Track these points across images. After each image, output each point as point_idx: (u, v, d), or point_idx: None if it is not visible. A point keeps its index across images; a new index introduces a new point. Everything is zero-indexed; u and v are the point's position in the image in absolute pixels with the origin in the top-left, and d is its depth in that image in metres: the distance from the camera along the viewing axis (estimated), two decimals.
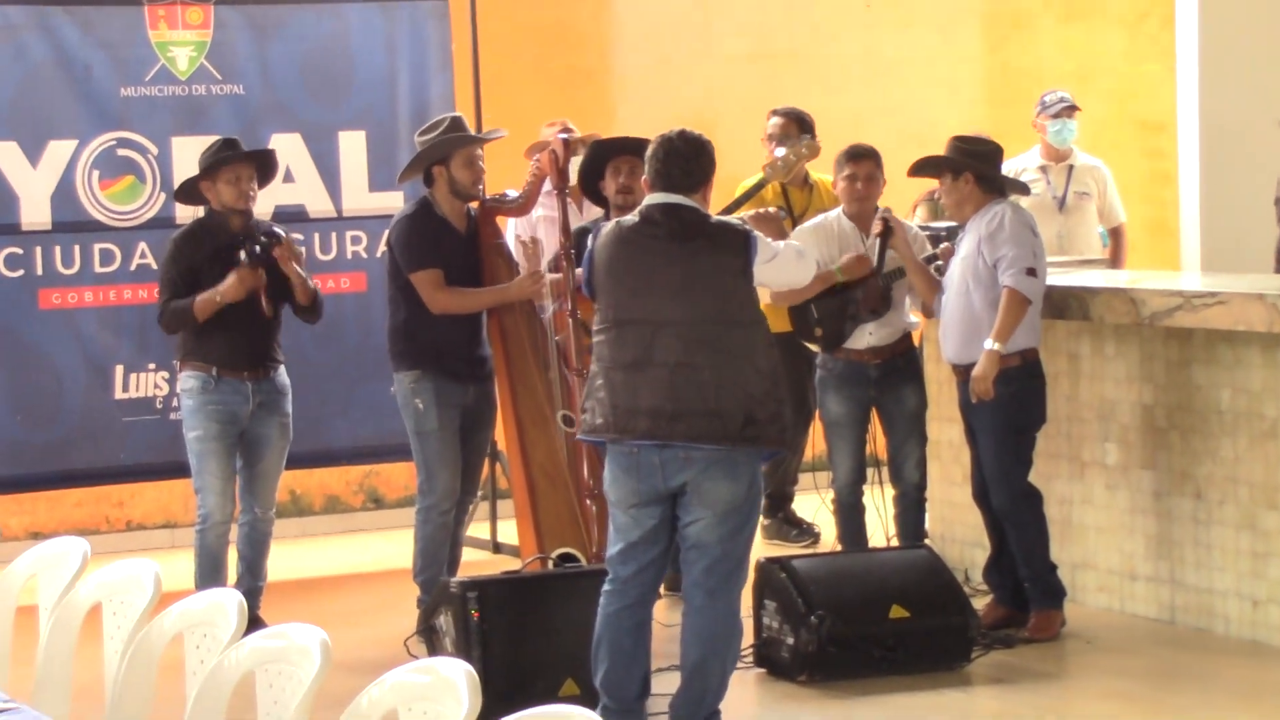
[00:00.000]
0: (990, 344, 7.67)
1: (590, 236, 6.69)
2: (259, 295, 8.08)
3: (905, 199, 9.31)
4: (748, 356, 6.34)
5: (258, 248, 8.05)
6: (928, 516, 9.07)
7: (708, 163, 6.53)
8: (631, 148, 8.36)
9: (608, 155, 8.56)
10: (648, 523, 6.41)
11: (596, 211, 9.68)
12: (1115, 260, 10.35)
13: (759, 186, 9.21)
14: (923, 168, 8.07)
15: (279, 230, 8.26)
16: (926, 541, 8.67)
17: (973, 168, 7.87)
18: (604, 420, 6.40)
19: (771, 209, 7.50)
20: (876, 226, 8.27)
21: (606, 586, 6.54)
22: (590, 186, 8.67)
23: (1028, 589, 7.96)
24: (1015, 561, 7.98)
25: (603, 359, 6.45)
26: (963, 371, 7.87)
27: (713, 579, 6.37)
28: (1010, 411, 7.78)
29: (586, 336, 8.52)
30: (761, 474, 6.46)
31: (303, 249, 8.59)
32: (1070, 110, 10.29)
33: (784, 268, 6.56)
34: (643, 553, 6.46)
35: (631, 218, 6.54)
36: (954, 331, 7.91)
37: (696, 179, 6.49)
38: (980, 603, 8.06)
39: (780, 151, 9.14)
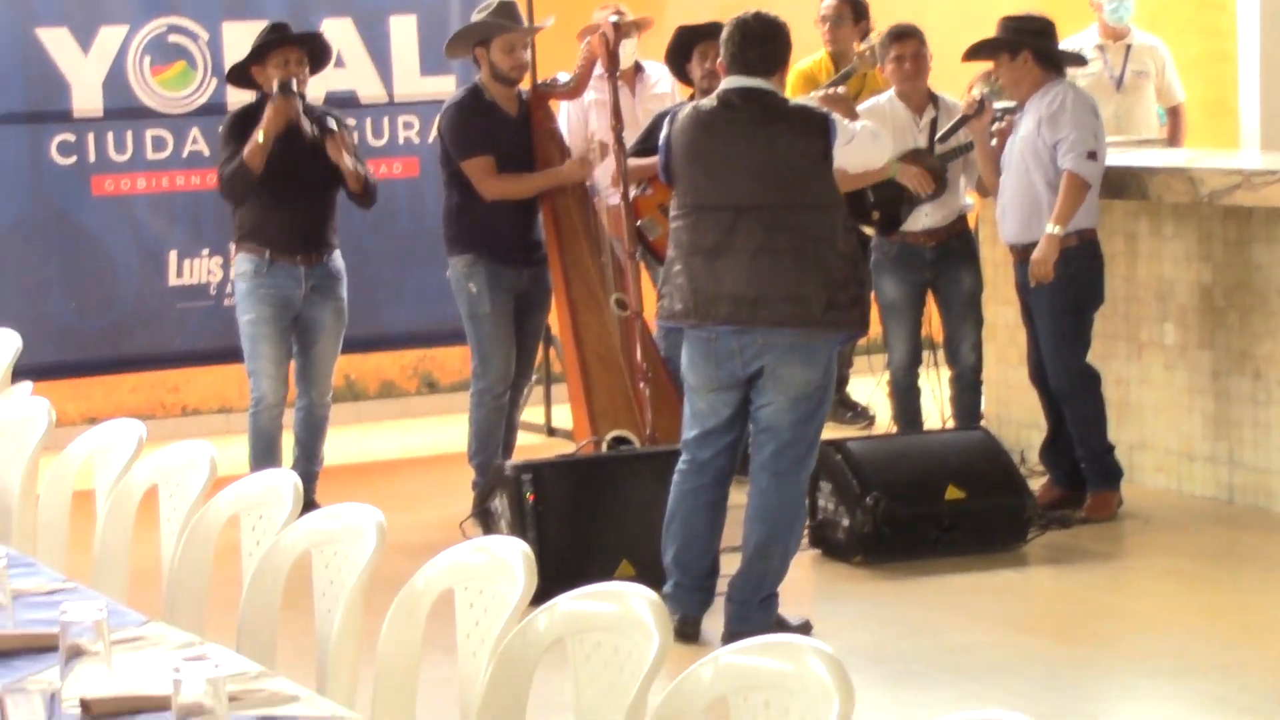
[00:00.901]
0: (1051, 228, 7.60)
1: (666, 122, 6.64)
2: (299, 125, 8.00)
3: (959, 80, 9.21)
4: (829, 240, 6.30)
5: (288, 81, 7.98)
6: (983, 398, 9.03)
7: (784, 45, 6.48)
8: (718, 33, 8.40)
9: (694, 40, 8.55)
10: (724, 410, 6.42)
11: (648, 95, 9.65)
12: (1173, 140, 10.24)
13: (846, 76, 9.12)
14: (979, 51, 7.98)
15: (333, 122, 8.18)
16: (982, 423, 8.65)
17: (1030, 45, 7.78)
18: (684, 306, 6.39)
19: (841, 89, 7.44)
20: (969, 107, 8.13)
21: (681, 466, 6.56)
22: (678, 69, 8.73)
23: (1084, 469, 7.93)
24: (1072, 442, 7.94)
25: (681, 245, 6.42)
26: (1020, 252, 7.81)
27: (781, 463, 6.37)
28: (1068, 292, 7.73)
29: (663, 219, 8.52)
30: (835, 359, 6.44)
31: (355, 136, 8.54)
32: None
33: (862, 150, 6.53)
34: (719, 438, 6.48)
35: (709, 102, 6.49)
36: (1013, 212, 7.84)
37: (773, 62, 6.44)
38: (1036, 484, 8.04)
39: (869, 40, 9.07)
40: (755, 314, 6.26)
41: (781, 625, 6.44)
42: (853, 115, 6.91)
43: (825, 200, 6.37)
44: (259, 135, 7.94)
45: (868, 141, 6.55)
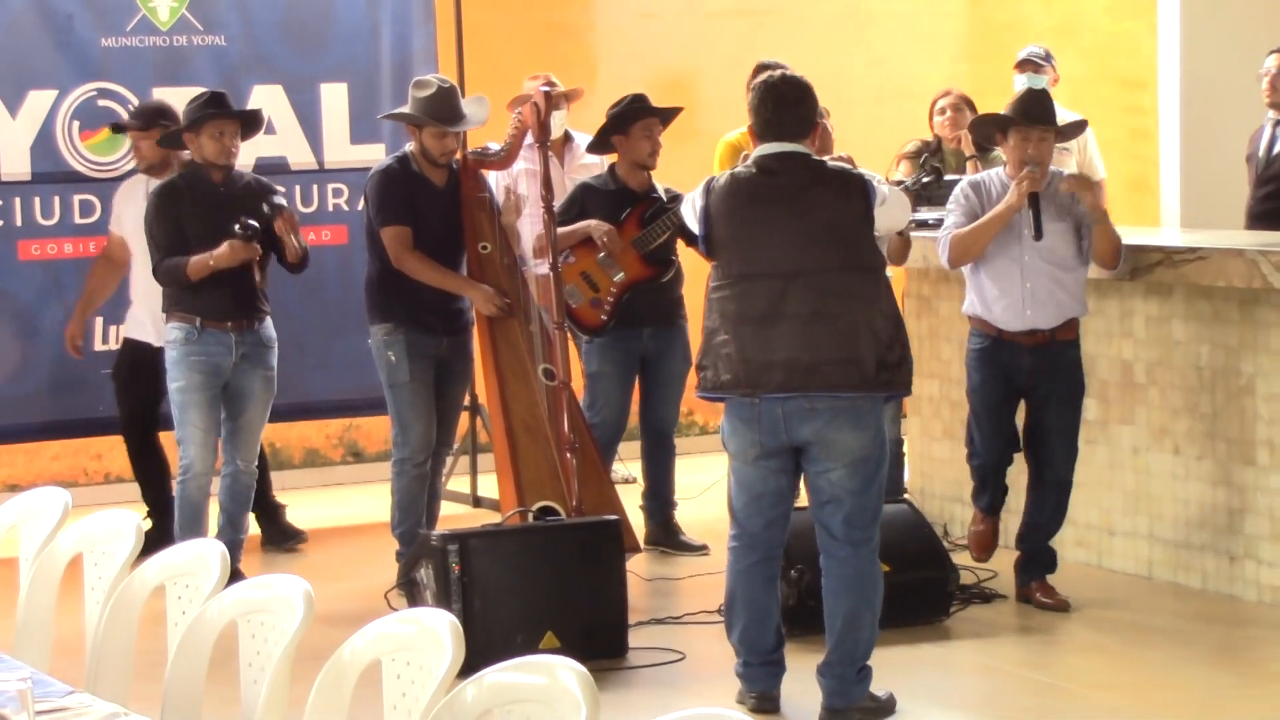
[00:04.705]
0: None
1: (701, 193, 6.48)
2: (251, 267, 8.08)
3: (880, 151, 9.29)
4: (874, 302, 6.30)
5: (254, 224, 8.04)
6: (907, 471, 9.07)
7: (814, 107, 6.45)
8: (654, 111, 8.68)
9: (634, 117, 8.67)
10: (774, 478, 6.37)
11: (577, 165, 9.71)
12: None
13: None
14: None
15: (281, 201, 8.24)
16: (906, 496, 8.69)
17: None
18: (733, 376, 6.29)
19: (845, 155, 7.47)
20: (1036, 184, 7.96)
21: (733, 543, 6.51)
22: (604, 145, 8.84)
23: (1036, 557, 7.76)
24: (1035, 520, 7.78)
25: (728, 315, 6.32)
26: (1047, 335, 7.56)
27: (855, 530, 6.34)
28: (1082, 382, 7.72)
29: (586, 287, 8.55)
30: (884, 420, 6.43)
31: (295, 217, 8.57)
32: (1026, 65, 10.18)
33: (893, 211, 6.47)
34: (770, 507, 6.42)
35: (746, 169, 6.42)
36: (1045, 298, 7.54)
37: (806, 125, 6.42)
38: (958, 557, 8.08)
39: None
40: (811, 379, 6.21)
41: (871, 698, 6.43)
42: None
43: (870, 262, 6.35)
44: (210, 260, 8.01)
45: (897, 202, 6.50)
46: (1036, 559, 7.80)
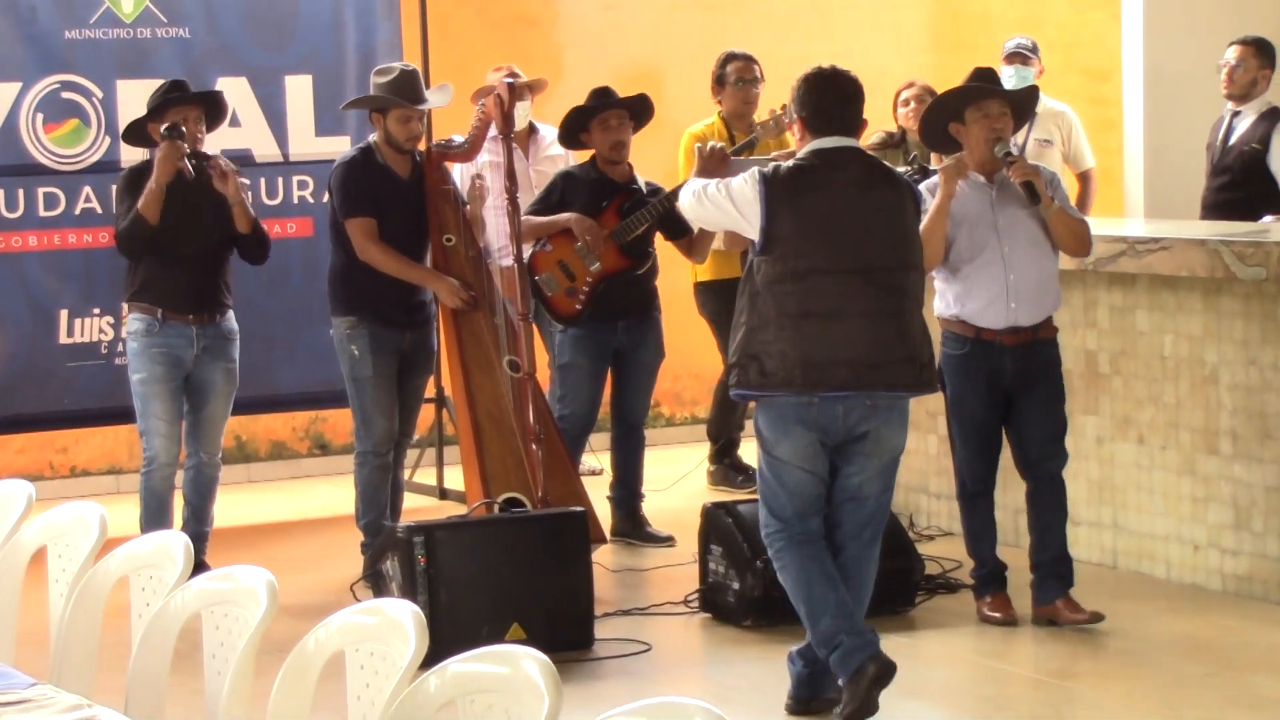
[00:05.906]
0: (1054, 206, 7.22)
1: (757, 183, 6.22)
2: (185, 170, 7.99)
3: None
4: (920, 300, 6.30)
5: (175, 124, 8.01)
6: None
7: (864, 102, 6.41)
8: (614, 104, 8.63)
9: (589, 116, 8.62)
10: (816, 486, 6.24)
11: (542, 156, 9.70)
12: (1082, 206, 10.28)
13: (749, 145, 9.18)
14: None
15: (223, 160, 8.22)
16: None
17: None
18: (785, 373, 6.09)
19: (717, 144, 7.43)
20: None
21: (781, 541, 6.27)
22: (572, 141, 8.80)
23: (1059, 564, 7.42)
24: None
25: (787, 310, 6.11)
26: (1029, 333, 7.31)
27: (869, 530, 6.33)
28: (1062, 381, 7.47)
29: (563, 276, 8.57)
30: None
31: (249, 196, 8.52)
32: (1014, 57, 10.23)
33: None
34: (818, 506, 6.27)
35: (807, 162, 6.23)
36: (1030, 290, 7.28)
37: (861, 120, 6.35)
38: (925, 548, 8.10)
39: (776, 111, 9.03)
40: (876, 376, 6.11)
41: (839, 688, 6.33)
42: (728, 172, 6.77)
43: (919, 261, 6.36)
44: (151, 183, 7.96)
45: None
46: (1055, 570, 7.42)
